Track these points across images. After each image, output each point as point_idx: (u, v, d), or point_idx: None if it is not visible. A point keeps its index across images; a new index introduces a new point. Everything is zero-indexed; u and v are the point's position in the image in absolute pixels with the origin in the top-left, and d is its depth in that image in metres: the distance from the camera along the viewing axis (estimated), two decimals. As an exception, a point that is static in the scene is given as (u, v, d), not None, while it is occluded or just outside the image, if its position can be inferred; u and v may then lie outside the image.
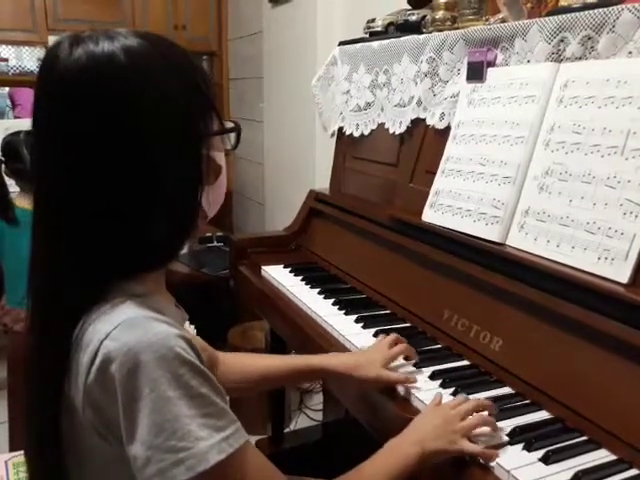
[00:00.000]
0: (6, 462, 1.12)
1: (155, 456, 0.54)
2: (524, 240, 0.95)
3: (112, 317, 0.58)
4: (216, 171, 0.73)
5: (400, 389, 0.90)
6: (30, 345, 0.65)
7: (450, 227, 1.08)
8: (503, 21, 1.11)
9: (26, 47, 3.26)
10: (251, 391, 1.05)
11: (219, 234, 2.69)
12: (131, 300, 0.60)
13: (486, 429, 0.76)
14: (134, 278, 0.63)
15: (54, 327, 0.62)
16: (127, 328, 0.56)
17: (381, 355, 0.92)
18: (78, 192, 0.60)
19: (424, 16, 1.33)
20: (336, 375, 0.94)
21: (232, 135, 0.74)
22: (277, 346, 1.67)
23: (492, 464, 0.72)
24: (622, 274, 0.79)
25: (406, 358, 0.96)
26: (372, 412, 0.94)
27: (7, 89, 3.02)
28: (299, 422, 2.13)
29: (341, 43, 1.60)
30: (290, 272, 1.42)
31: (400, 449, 0.74)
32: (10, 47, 3.31)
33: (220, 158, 0.74)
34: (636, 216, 0.79)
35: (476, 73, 1.12)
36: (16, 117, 2.93)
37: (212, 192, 0.71)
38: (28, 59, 3.29)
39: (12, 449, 1.66)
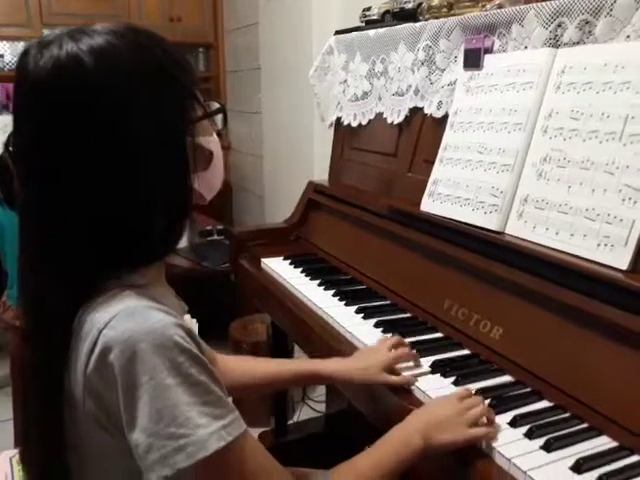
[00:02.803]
0: (10, 459, 1.12)
1: (156, 443, 0.54)
2: (523, 228, 0.94)
3: (111, 307, 0.58)
4: (206, 156, 0.72)
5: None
6: (27, 341, 0.65)
7: (449, 216, 1.07)
8: (500, 7, 1.10)
9: (21, 42, 3.24)
10: (251, 395, 1.06)
11: (219, 227, 2.69)
12: (130, 290, 0.60)
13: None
14: (133, 270, 0.63)
15: (50, 323, 0.62)
16: (126, 317, 0.57)
17: (381, 358, 0.90)
18: (66, 192, 0.60)
19: (420, 3, 1.32)
20: (336, 381, 0.94)
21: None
22: (278, 339, 1.68)
23: (496, 448, 0.72)
24: (622, 260, 0.79)
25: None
26: (373, 403, 0.94)
27: (-1, 86, 2.99)
28: (302, 414, 2.13)
29: (337, 32, 1.59)
30: (290, 264, 1.41)
31: (405, 439, 0.73)
32: (5, 43, 3.30)
33: (209, 142, 0.73)
34: (635, 202, 0.79)
35: (473, 60, 1.11)
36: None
37: (206, 177, 0.71)
38: (24, 55, 3.28)
39: (17, 446, 1.67)
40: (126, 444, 0.57)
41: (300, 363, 0.98)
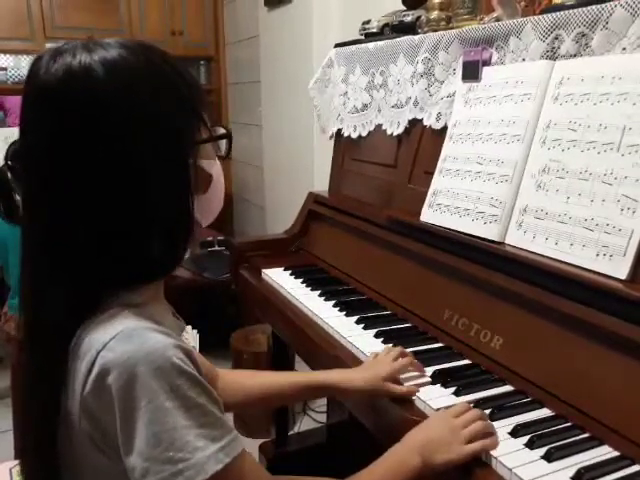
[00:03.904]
0: (10, 469, 1.12)
1: (153, 467, 0.54)
2: (523, 238, 0.95)
3: (109, 327, 0.58)
4: (206, 180, 0.72)
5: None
6: (25, 359, 0.64)
7: (449, 227, 1.08)
8: (497, 20, 1.11)
9: (24, 55, 3.28)
10: (252, 409, 1.04)
11: (220, 238, 2.70)
12: (129, 310, 0.60)
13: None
14: (131, 289, 0.63)
15: (47, 342, 0.61)
16: (124, 339, 0.56)
17: (385, 368, 0.90)
18: (70, 202, 0.60)
19: (419, 17, 1.34)
20: (339, 392, 0.93)
21: (225, 142, 0.73)
22: (279, 349, 1.67)
23: (497, 458, 0.72)
24: (621, 270, 0.80)
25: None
26: (375, 414, 0.94)
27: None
28: (303, 424, 2.12)
29: (337, 45, 1.61)
30: (291, 275, 1.42)
31: (403, 459, 0.72)
32: (8, 56, 3.33)
33: (210, 166, 0.72)
34: (633, 212, 0.80)
35: (472, 72, 1.12)
36: (9, 126, 2.92)
37: (204, 201, 0.71)
38: (27, 68, 3.30)
39: (17, 457, 1.66)
40: (122, 466, 0.56)
41: (303, 375, 0.97)
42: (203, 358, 0.93)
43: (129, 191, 0.60)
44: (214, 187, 0.74)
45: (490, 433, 0.75)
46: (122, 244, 0.61)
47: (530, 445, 0.74)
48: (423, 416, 0.83)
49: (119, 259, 0.61)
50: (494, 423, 0.78)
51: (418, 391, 0.88)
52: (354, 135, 1.52)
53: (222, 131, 0.74)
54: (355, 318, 1.15)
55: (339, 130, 1.59)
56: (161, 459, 0.54)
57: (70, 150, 0.59)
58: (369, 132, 1.47)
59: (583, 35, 0.92)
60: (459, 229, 1.06)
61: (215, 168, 0.74)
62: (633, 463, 0.70)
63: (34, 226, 0.62)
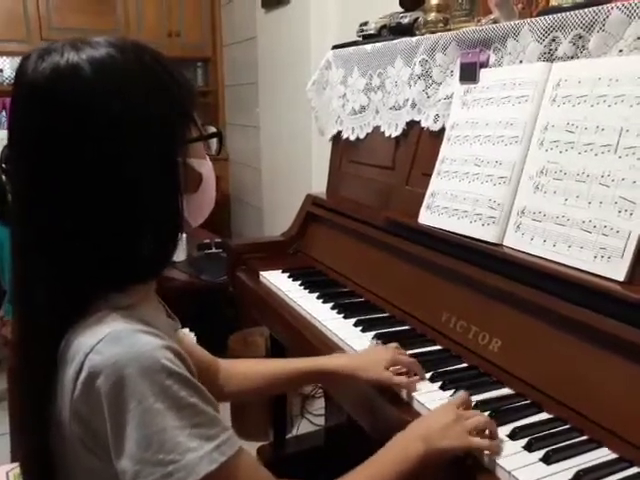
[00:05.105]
0: (7, 473, 1.12)
1: (144, 470, 0.53)
2: (520, 240, 0.95)
3: (97, 330, 0.57)
4: (195, 179, 0.71)
5: (401, 392, 0.90)
6: (15, 361, 0.64)
7: (447, 229, 1.08)
8: (495, 22, 1.11)
9: (21, 57, 3.27)
10: (255, 395, 1.03)
11: (217, 240, 2.69)
12: (116, 312, 0.59)
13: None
14: (121, 290, 0.62)
15: (37, 344, 0.61)
16: (112, 341, 0.56)
17: (386, 356, 0.91)
18: (52, 208, 0.59)
19: (416, 18, 1.34)
20: (340, 376, 0.93)
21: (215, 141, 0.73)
22: (277, 352, 1.67)
23: (496, 461, 0.72)
24: (619, 272, 0.80)
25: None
26: (372, 416, 0.94)
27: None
28: (301, 427, 2.12)
29: (335, 47, 1.61)
30: (288, 277, 1.42)
31: (406, 447, 0.72)
32: (5, 58, 3.33)
33: (201, 166, 0.72)
34: (631, 214, 0.80)
35: (469, 74, 1.12)
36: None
37: (194, 201, 0.70)
38: (23, 69, 3.30)
39: (14, 460, 1.66)
40: (114, 469, 0.56)
41: (306, 360, 0.97)
42: (204, 351, 0.93)
43: (117, 190, 0.59)
44: (204, 186, 0.73)
45: (494, 433, 0.75)
46: (112, 244, 0.61)
47: (529, 448, 0.74)
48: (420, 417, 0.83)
49: (109, 259, 0.61)
50: (492, 426, 0.78)
51: (416, 390, 0.88)
52: (352, 137, 1.52)
53: (212, 130, 0.73)
54: (353, 320, 1.15)
55: (337, 132, 1.59)
56: (152, 461, 0.53)
57: (58, 149, 0.58)
58: (367, 134, 1.47)
59: (580, 37, 0.92)
60: (457, 231, 1.06)
61: (205, 167, 0.73)
62: (631, 465, 0.70)
63: (24, 226, 0.62)
